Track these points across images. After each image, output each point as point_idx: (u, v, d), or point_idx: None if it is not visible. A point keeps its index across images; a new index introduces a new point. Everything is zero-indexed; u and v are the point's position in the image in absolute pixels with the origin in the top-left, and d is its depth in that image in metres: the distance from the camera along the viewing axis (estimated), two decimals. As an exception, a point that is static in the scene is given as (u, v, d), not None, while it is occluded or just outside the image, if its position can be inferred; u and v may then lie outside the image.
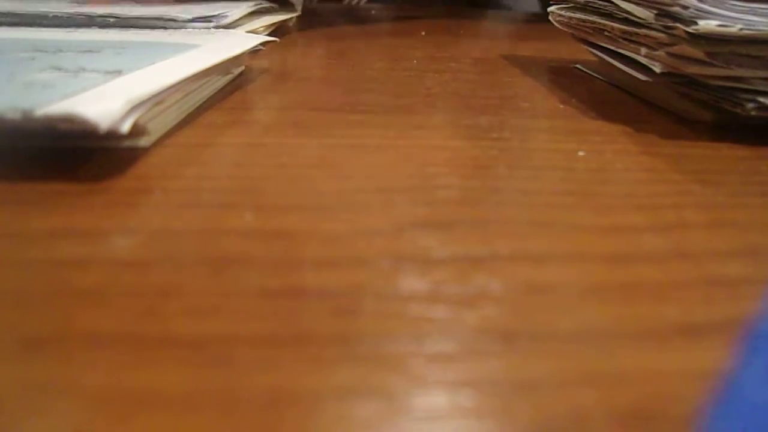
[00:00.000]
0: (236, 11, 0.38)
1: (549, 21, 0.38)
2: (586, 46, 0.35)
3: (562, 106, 0.28)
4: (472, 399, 0.10)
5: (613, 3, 0.29)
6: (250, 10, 0.41)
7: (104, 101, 0.17)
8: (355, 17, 0.67)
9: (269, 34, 0.46)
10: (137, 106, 0.17)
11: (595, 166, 0.20)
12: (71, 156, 0.18)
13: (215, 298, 0.12)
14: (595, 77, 0.36)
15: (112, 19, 0.34)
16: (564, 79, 0.36)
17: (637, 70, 0.27)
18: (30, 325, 0.11)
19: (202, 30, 0.32)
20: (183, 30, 0.32)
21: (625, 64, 0.29)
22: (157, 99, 0.19)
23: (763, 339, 0.11)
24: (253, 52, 0.30)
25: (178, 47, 0.26)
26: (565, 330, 0.11)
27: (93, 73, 0.20)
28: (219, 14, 0.36)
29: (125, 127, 0.17)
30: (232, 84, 0.31)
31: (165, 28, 0.34)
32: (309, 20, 0.56)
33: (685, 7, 0.23)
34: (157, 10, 0.36)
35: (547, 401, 0.10)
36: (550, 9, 0.38)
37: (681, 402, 0.10)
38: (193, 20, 0.35)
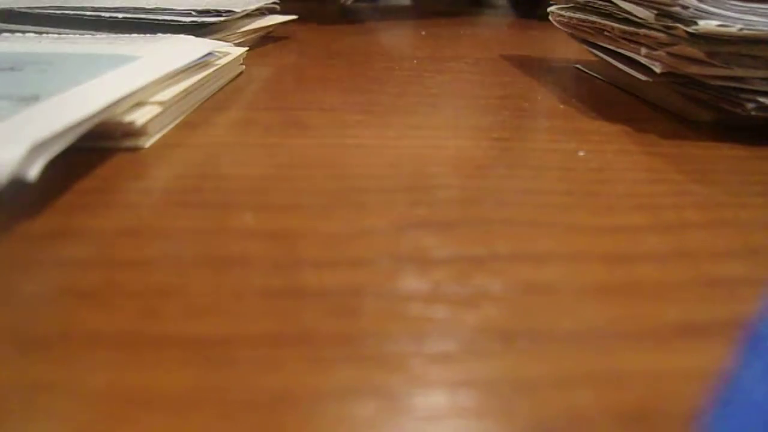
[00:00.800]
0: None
1: (549, 21, 0.38)
2: (586, 46, 0.35)
3: (562, 106, 0.28)
4: (472, 399, 0.10)
5: (613, 3, 0.29)
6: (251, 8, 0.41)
7: (5, 144, 0.14)
8: (355, 17, 0.67)
9: (266, 36, 0.46)
10: (46, 145, 0.15)
11: (595, 166, 0.20)
12: (71, 156, 0.18)
13: (215, 298, 0.12)
14: (595, 77, 0.36)
15: (120, 16, 0.34)
16: (564, 79, 0.36)
17: (637, 70, 0.27)
18: (30, 325, 0.11)
19: (148, 37, 0.30)
20: (127, 38, 0.29)
21: (625, 64, 0.29)
22: (75, 134, 0.16)
23: (762, 339, 0.11)
24: (258, 46, 0.29)
25: (115, 60, 0.23)
26: (565, 330, 0.11)
27: (4, 101, 0.17)
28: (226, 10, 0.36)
29: (32, 175, 0.14)
30: (232, 84, 0.31)
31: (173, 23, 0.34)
32: (309, 20, 0.56)
33: (685, 7, 0.23)
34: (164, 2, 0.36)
35: (546, 401, 0.10)
36: (550, 9, 0.38)
37: (681, 402, 0.10)
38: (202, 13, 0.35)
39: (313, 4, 0.66)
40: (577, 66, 0.39)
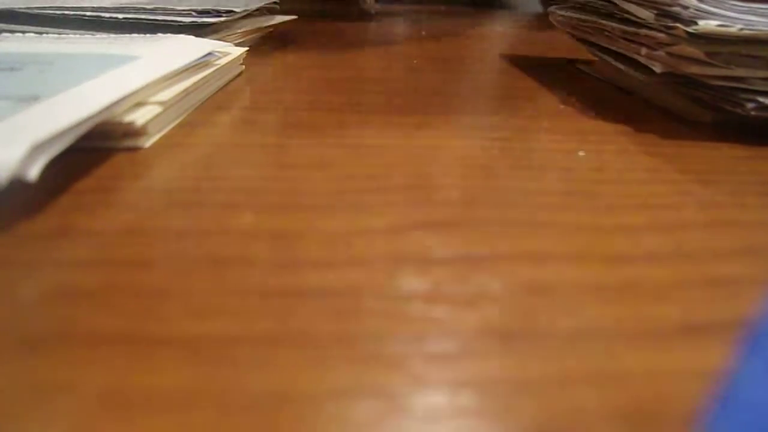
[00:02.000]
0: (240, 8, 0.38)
1: (549, 21, 0.38)
2: (586, 46, 0.35)
3: (562, 106, 0.28)
4: (472, 399, 0.10)
5: (613, 3, 0.29)
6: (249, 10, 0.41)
7: (5, 144, 0.14)
8: (355, 18, 0.67)
9: (266, 36, 0.46)
10: (46, 145, 0.15)
11: (595, 166, 0.20)
12: (71, 156, 0.18)
13: (215, 298, 0.12)
14: (595, 77, 0.36)
15: (121, 16, 0.34)
16: (564, 79, 0.36)
17: (637, 70, 0.27)
18: (30, 325, 0.11)
19: (148, 37, 0.29)
20: (127, 38, 0.29)
21: (625, 64, 0.29)
22: (75, 134, 0.16)
23: (763, 339, 0.11)
24: (258, 46, 0.29)
25: (115, 60, 0.23)
26: (565, 330, 0.11)
27: (4, 101, 0.17)
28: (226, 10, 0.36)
29: (32, 175, 0.14)
30: (232, 84, 0.31)
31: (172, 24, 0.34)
32: (309, 20, 0.56)
33: (685, 7, 0.23)
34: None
35: (547, 401, 0.10)
36: (550, 9, 0.38)
37: (681, 402, 0.10)
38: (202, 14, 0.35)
39: (332, 5, 0.66)
40: (577, 66, 0.39)
